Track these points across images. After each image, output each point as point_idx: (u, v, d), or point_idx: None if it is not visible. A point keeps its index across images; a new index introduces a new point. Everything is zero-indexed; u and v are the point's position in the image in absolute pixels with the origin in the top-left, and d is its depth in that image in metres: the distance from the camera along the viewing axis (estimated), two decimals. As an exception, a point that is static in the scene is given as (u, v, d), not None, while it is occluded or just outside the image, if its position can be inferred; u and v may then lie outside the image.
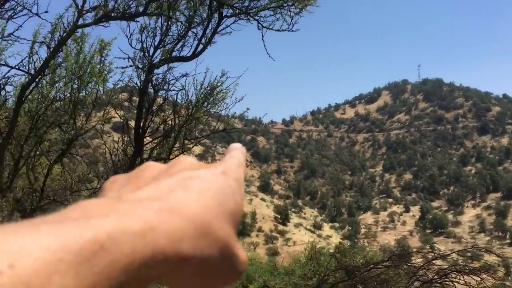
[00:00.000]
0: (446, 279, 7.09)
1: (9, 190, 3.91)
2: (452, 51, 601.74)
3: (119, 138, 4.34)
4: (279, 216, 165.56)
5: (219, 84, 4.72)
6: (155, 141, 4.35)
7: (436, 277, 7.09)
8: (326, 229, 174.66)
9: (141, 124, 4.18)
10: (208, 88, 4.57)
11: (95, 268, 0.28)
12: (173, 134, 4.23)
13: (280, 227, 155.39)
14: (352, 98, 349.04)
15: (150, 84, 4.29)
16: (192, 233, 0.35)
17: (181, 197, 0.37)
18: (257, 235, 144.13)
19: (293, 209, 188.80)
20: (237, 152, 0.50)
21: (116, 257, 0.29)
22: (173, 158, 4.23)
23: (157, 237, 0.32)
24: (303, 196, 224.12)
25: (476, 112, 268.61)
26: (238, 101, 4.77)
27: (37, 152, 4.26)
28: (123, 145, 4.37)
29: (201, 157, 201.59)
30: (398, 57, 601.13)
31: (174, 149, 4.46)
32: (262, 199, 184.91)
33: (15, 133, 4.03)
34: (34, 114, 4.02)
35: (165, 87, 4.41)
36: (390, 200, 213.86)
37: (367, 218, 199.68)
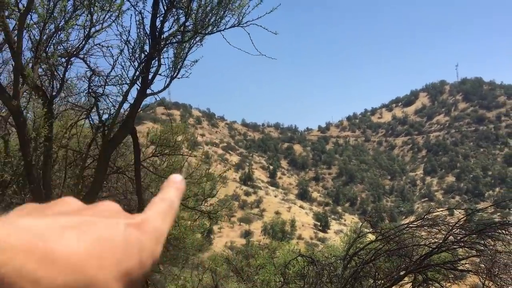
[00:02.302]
0: (484, 234, 6.91)
1: (30, 76, 4.14)
2: (491, 49, 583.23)
3: (137, 35, 4.50)
4: (319, 223, 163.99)
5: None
6: (172, 39, 4.46)
7: (473, 231, 6.93)
8: (369, 235, 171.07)
9: (157, 21, 4.32)
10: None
11: None
12: (189, 28, 4.33)
13: (321, 234, 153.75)
14: (389, 101, 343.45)
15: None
16: (62, 279, 0.29)
17: (71, 242, 0.31)
18: (297, 243, 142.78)
19: (333, 216, 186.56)
20: (171, 191, 0.46)
21: None
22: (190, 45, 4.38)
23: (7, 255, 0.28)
24: (342, 203, 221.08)
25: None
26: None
27: (55, 41, 4.50)
28: (140, 43, 4.53)
29: (238, 166, 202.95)
30: (434, 57, 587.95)
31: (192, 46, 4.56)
32: (301, 207, 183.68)
33: (31, 20, 4.25)
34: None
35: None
36: (433, 203, 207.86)
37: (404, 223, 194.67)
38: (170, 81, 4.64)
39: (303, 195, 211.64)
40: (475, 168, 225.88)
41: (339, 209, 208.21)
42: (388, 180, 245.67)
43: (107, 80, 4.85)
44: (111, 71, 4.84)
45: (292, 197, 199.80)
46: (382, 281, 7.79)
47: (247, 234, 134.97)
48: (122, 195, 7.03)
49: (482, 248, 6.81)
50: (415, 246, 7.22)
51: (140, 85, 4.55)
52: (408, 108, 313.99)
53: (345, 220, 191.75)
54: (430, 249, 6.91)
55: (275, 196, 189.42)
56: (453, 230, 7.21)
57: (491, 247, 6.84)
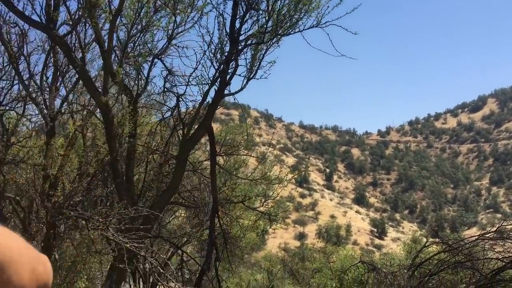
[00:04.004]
0: None
1: (119, 75, 4.34)
2: None
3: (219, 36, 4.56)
4: (375, 230, 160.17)
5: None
6: (253, 39, 4.49)
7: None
8: (433, 245, 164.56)
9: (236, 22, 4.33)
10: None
11: None
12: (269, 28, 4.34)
13: (377, 241, 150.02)
14: (454, 106, 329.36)
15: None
16: None
17: None
18: (352, 248, 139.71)
19: (390, 223, 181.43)
20: None
21: None
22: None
23: None
24: (401, 210, 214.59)
25: None
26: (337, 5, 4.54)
27: (140, 42, 4.70)
28: (220, 43, 4.60)
29: (294, 168, 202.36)
30: (504, 61, 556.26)
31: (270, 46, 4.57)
32: (357, 212, 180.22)
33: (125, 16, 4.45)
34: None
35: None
36: (499, 215, 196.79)
37: (473, 234, 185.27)
38: (247, 82, 4.71)
39: (360, 200, 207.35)
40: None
41: (397, 216, 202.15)
42: (450, 189, 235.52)
43: (189, 80, 5.02)
44: (194, 71, 4.99)
45: (348, 202, 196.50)
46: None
47: (301, 237, 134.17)
48: (188, 192, 7.20)
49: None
50: (486, 260, 6.88)
51: (218, 85, 4.65)
52: (475, 114, 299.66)
53: (403, 228, 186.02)
54: (504, 263, 6.55)
55: (331, 200, 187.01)
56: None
57: None
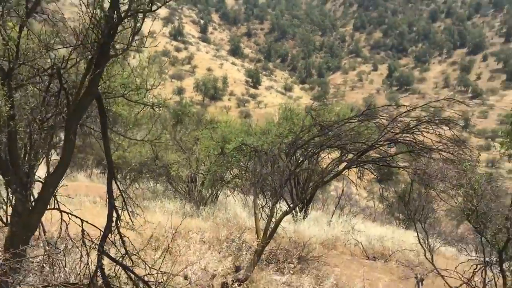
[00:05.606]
0: (415, 129, 7.53)
1: None
2: None
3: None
4: (250, 80, 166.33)
5: None
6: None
7: (406, 128, 7.51)
8: (297, 90, 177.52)
9: None
10: None
11: None
12: None
13: (252, 90, 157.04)
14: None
15: None
16: None
17: None
18: (229, 99, 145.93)
19: (264, 72, 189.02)
20: None
21: None
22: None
23: None
24: (274, 59, 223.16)
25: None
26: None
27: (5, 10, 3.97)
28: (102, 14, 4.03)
29: (167, 20, 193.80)
30: None
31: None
32: (233, 63, 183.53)
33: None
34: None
35: None
36: (359, 59, 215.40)
37: (336, 78, 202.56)
38: (133, 37, 4.21)
39: (235, 51, 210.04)
40: (402, 24, 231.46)
41: (270, 65, 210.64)
42: (319, 36, 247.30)
43: (72, 51, 4.31)
44: (75, 48, 4.27)
45: (224, 54, 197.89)
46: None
47: (179, 91, 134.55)
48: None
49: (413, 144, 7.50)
50: (353, 143, 7.78)
51: (101, 49, 4.08)
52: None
53: (275, 76, 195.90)
54: (366, 146, 7.50)
55: (207, 53, 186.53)
56: (388, 126, 7.76)
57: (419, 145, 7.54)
